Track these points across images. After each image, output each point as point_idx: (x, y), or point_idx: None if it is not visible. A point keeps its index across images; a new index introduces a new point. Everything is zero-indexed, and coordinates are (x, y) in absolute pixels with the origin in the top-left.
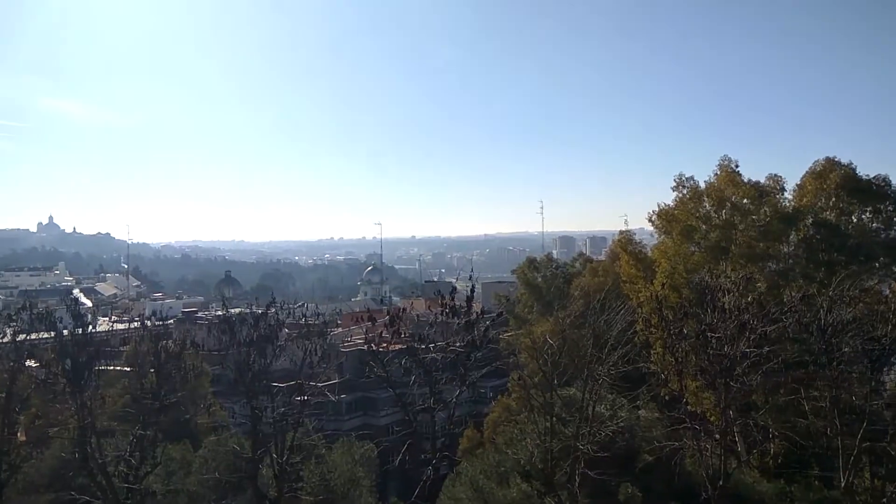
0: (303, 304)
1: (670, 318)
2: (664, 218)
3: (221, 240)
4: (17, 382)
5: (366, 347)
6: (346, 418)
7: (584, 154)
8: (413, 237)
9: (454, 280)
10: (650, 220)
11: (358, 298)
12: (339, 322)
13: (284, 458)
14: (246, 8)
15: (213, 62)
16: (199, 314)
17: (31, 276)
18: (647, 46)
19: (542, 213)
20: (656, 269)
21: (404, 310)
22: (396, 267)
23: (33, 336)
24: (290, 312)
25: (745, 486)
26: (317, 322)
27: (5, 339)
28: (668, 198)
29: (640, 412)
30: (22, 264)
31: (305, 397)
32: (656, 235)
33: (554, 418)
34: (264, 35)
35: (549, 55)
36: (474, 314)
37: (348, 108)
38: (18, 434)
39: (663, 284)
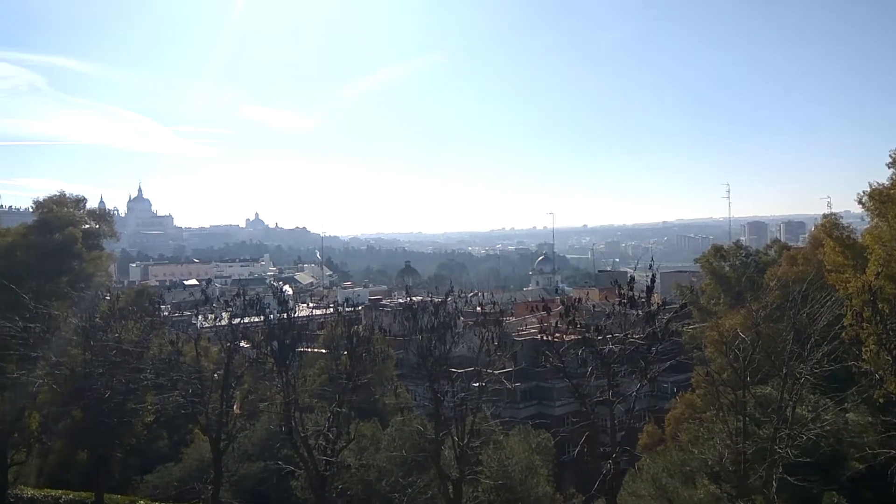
0: (476, 293)
1: (886, 311)
2: (878, 199)
3: (401, 232)
4: (233, 361)
5: (540, 337)
6: (520, 406)
7: (776, 132)
8: (585, 226)
9: (630, 270)
10: (860, 202)
11: (529, 288)
12: (512, 311)
13: (465, 442)
14: (410, 9)
15: (387, 64)
16: (384, 301)
17: (241, 266)
18: (849, 12)
19: (728, 198)
20: (868, 257)
21: (579, 300)
22: (568, 256)
23: (246, 320)
24: (466, 301)
25: None
26: (492, 311)
27: (223, 323)
28: (882, 176)
29: (848, 415)
30: (234, 256)
31: (483, 384)
32: (868, 219)
33: (746, 418)
34: (431, 35)
35: (734, 28)
36: (654, 305)
37: (518, 97)
38: (234, 407)
39: (878, 274)
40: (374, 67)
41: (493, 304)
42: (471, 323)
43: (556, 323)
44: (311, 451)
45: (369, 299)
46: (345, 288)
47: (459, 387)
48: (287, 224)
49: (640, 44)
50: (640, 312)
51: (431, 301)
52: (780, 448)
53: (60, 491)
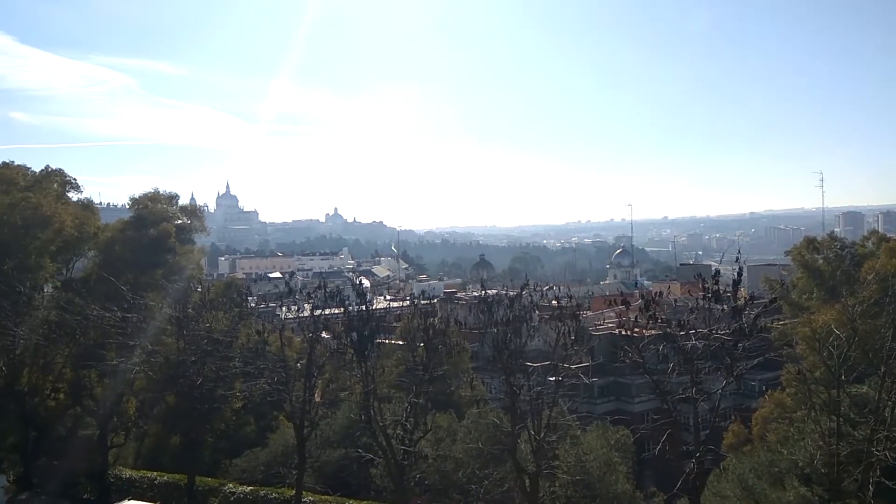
0: (552, 287)
1: None
2: None
3: (475, 225)
4: (314, 351)
5: (618, 332)
6: (598, 402)
7: (873, 117)
8: (665, 218)
9: (715, 263)
10: None
11: (607, 282)
12: (589, 305)
13: (541, 436)
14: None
15: (464, 60)
16: (459, 294)
17: (321, 259)
18: None
19: (821, 187)
20: None
21: (660, 294)
22: (647, 249)
23: (326, 311)
24: (541, 294)
25: None
26: (569, 304)
27: (305, 314)
28: None
29: None
30: (314, 250)
31: (559, 378)
32: None
33: (840, 419)
34: (505, 31)
35: (826, 12)
36: (741, 300)
37: (594, 85)
38: (316, 395)
39: None
40: (451, 64)
41: (570, 297)
42: (546, 316)
43: (636, 317)
44: (389, 440)
45: (444, 292)
46: (420, 281)
47: (535, 380)
48: (364, 218)
49: (727, 28)
50: (725, 307)
51: (506, 294)
52: (877, 450)
53: (156, 473)
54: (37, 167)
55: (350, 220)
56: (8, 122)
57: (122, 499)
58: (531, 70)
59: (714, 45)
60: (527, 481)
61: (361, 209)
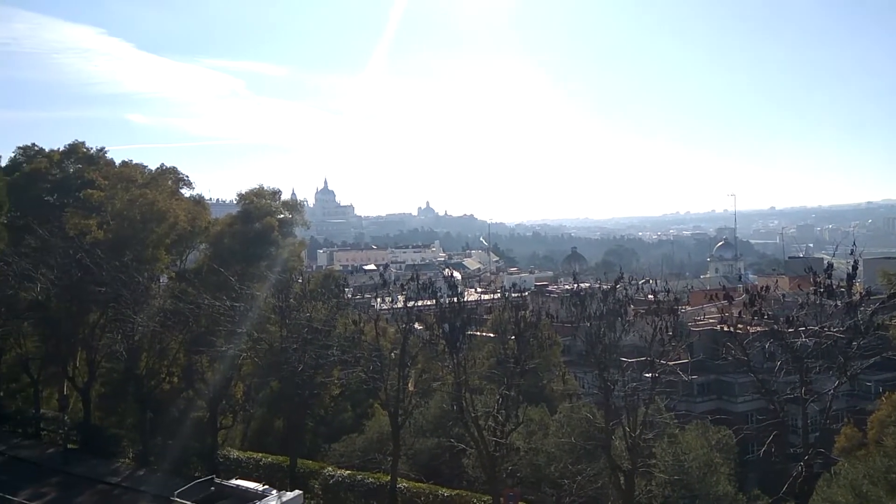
0: (648, 281)
1: None
2: None
3: (567, 218)
4: (408, 341)
5: (720, 328)
6: (697, 400)
7: None
8: (772, 208)
9: (827, 256)
10: None
11: (707, 276)
12: (688, 300)
13: (637, 433)
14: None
15: (556, 47)
16: (550, 287)
17: (414, 252)
18: None
19: None
20: None
21: (766, 288)
22: (752, 242)
23: (419, 303)
24: (637, 288)
25: None
26: (666, 299)
27: (399, 305)
28: None
29: None
30: (407, 242)
31: (656, 374)
32: None
33: None
34: (607, 12)
35: None
36: (856, 295)
37: (697, 69)
38: (409, 385)
39: None
40: (543, 54)
41: (667, 291)
42: (642, 311)
43: (740, 313)
44: (481, 431)
45: (535, 285)
46: (511, 274)
47: (630, 376)
48: (455, 212)
49: (838, 9)
50: (839, 303)
51: (600, 288)
52: None
53: (261, 454)
54: (152, 165)
55: (441, 213)
56: (126, 124)
57: (230, 478)
58: (629, 55)
59: (825, 27)
60: (622, 479)
61: (452, 203)
